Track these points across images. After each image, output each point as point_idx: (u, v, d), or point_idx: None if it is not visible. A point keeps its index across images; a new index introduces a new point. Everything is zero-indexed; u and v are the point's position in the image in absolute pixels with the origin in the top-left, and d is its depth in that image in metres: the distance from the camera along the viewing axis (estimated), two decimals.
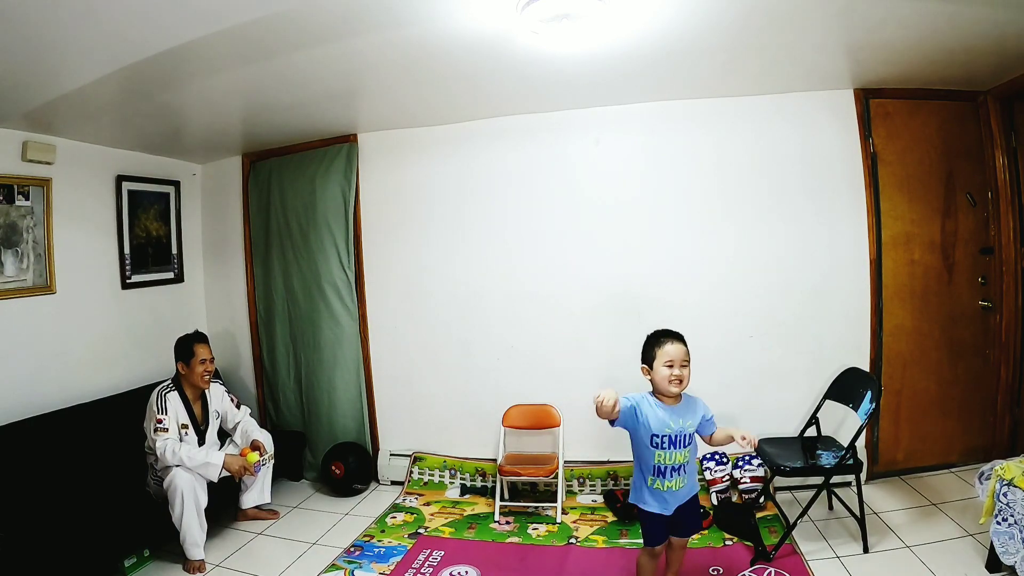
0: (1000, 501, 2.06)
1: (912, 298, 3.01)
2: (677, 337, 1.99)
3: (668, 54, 2.42)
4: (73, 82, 2.19)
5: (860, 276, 2.98)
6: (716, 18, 2.08)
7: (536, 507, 3.05)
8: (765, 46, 2.40)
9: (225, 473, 2.71)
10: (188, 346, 2.86)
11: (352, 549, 2.73)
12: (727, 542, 2.58)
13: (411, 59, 2.33)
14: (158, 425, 2.67)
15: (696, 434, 2.02)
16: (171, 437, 2.66)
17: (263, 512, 3.11)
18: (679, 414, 1.97)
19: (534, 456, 3.19)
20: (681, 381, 1.95)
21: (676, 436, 1.95)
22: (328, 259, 3.51)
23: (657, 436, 1.94)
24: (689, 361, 1.96)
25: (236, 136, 3.40)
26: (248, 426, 3.04)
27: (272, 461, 3.04)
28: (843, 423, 2.89)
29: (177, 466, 2.59)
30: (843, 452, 2.46)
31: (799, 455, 2.56)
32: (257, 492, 3.06)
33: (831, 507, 2.83)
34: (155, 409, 2.71)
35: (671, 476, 1.96)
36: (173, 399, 2.78)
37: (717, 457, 2.88)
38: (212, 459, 2.67)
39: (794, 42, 2.37)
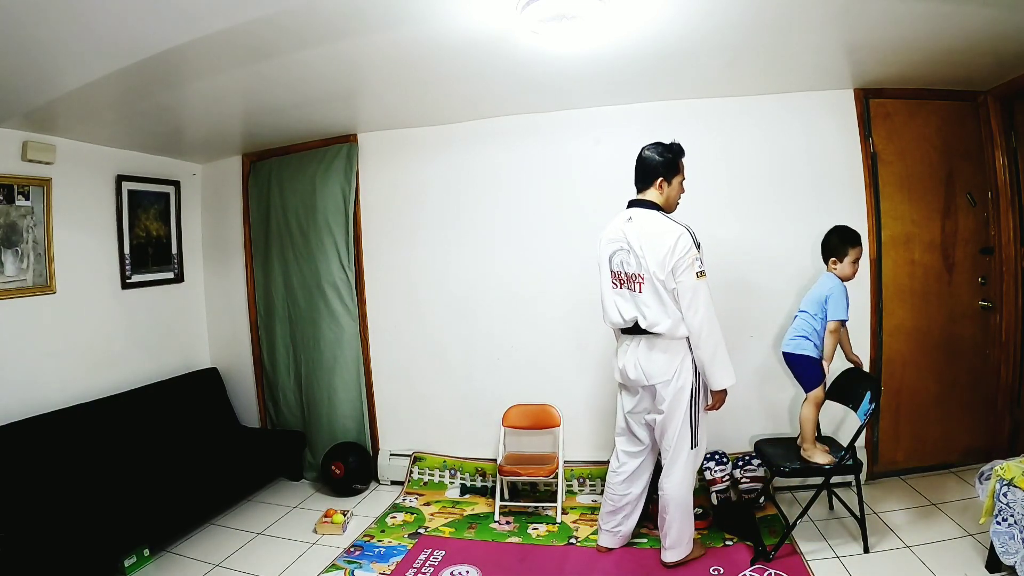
0: (1000, 501, 2.06)
1: (912, 298, 3.01)
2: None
3: (668, 54, 2.42)
4: (73, 82, 2.19)
5: (860, 276, 2.96)
6: (716, 19, 2.08)
7: (536, 507, 3.05)
8: (765, 46, 2.40)
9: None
10: (679, 158, 2.27)
11: (352, 549, 2.73)
12: (727, 542, 2.58)
13: (411, 59, 2.33)
14: (702, 267, 1.95)
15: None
16: None
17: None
18: None
19: (534, 456, 3.19)
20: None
21: None
22: (328, 259, 3.51)
23: None
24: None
25: (236, 136, 3.40)
26: None
27: None
28: (843, 423, 2.90)
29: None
30: (842, 453, 2.46)
31: (799, 456, 2.55)
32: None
33: (831, 507, 2.83)
34: (695, 243, 1.98)
35: None
36: None
37: (717, 457, 2.88)
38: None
39: (794, 42, 2.36)
